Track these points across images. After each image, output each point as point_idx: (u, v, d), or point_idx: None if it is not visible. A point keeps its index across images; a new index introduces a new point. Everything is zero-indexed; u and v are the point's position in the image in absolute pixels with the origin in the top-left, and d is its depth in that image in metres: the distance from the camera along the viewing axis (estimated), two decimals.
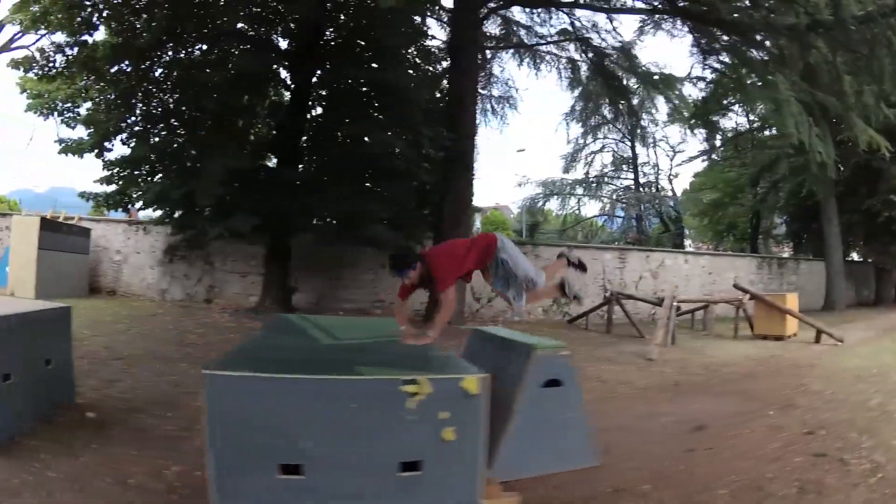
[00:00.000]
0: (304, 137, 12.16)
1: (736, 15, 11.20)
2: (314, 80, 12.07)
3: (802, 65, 11.58)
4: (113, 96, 11.90)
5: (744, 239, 27.14)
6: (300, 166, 11.98)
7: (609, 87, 14.28)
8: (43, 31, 11.46)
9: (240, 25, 11.85)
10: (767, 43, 11.39)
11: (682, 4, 11.67)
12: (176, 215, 11.70)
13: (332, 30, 12.28)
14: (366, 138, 11.12)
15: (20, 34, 15.94)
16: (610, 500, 3.35)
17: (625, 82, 14.59)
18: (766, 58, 11.52)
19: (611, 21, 13.92)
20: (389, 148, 10.30)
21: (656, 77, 13.66)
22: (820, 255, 21.51)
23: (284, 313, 11.50)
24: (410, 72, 11.88)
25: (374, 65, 11.28)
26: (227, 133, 10.87)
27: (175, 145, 11.31)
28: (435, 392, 2.50)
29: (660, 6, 12.41)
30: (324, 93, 12.33)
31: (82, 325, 8.03)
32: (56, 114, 13.14)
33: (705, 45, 12.32)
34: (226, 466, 2.35)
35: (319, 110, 12.47)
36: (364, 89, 11.47)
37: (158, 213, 12.92)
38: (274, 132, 12.36)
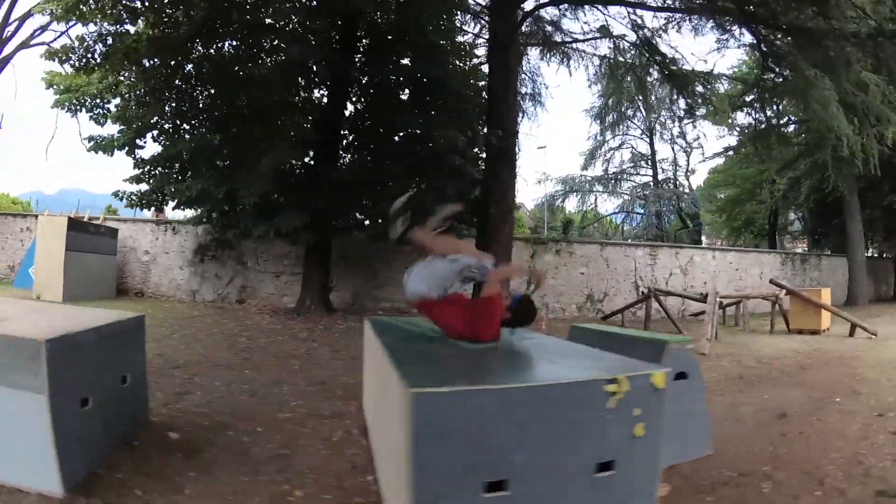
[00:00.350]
0: (349, 134, 11.91)
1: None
2: (355, 75, 11.82)
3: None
4: (142, 91, 11.60)
5: (761, 235, 27.15)
6: (346, 163, 11.72)
7: (665, 80, 14.14)
8: (72, 23, 11.13)
9: (269, 21, 11.56)
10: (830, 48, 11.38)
11: (748, 8, 11.58)
12: (215, 214, 11.34)
13: (365, 26, 12.04)
14: (399, 132, 10.94)
15: (39, 31, 15.58)
16: (741, 483, 3.51)
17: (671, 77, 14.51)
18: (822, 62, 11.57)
19: (658, 18, 13.76)
20: (452, 145, 10.05)
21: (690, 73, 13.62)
22: (839, 250, 21.58)
23: (327, 313, 11.33)
24: (451, 67, 11.63)
25: (419, 60, 11.02)
26: (269, 130, 10.54)
27: (213, 142, 10.95)
28: (631, 389, 2.50)
29: (712, 5, 12.26)
30: (369, 88, 12.07)
31: None
32: (85, 110, 12.75)
33: (766, 47, 12.27)
34: (430, 493, 2.19)
35: (361, 106, 12.21)
36: (411, 85, 11.23)
37: (189, 212, 12.65)
38: (309, 128, 12.03)
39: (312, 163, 11.55)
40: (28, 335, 2.97)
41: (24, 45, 15.53)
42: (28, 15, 15.16)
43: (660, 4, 13.54)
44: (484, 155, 12.18)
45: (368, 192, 10.62)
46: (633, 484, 2.53)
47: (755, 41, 12.95)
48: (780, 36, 12.16)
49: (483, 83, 13.17)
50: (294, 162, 10.88)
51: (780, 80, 13.05)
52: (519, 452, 2.28)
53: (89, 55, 10.25)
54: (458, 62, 13.07)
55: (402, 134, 11.08)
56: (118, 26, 10.31)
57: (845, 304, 18.79)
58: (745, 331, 12.84)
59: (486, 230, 11.85)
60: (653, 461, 2.61)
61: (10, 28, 15.30)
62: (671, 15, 14.27)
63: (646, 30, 13.58)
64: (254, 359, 7.50)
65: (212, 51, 11.62)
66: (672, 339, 4.15)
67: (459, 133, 10.35)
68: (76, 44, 10.31)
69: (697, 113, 14.65)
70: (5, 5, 14.94)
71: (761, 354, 9.26)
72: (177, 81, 11.42)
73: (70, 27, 11.94)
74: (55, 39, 16.11)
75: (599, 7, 13.73)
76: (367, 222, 11.85)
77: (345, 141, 12.14)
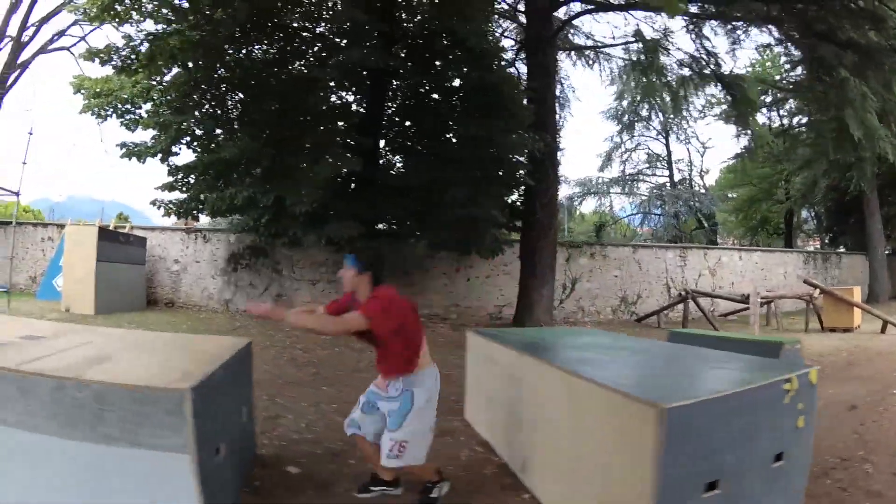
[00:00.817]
0: (395, 140, 11.71)
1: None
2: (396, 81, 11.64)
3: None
4: (175, 96, 11.30)
5: (776, 234, 27.19)
6: (396, 170, 11.54)
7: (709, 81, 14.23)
8: (96, 26, 10.80)
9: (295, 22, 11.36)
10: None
11: (805, 22, 11.82)
12: (262, 222, 11.06)
13: (408, 31, 11.87)
14: (453, 139, 10.73)
15: (57, 35, 15.21)
16: (846, 467, 3.88)
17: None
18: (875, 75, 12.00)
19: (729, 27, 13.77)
20: (517, 150, 9.90)
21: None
22: (857, 248, 21.63)
23: None
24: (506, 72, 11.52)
25: (468, 65, 10.84)
26: (318, 136, 10.31)
27: (258, 149, 10.67)
28: (798, 386, 2.74)
29: (777, 15, 12.33)
30: (411, 93, 11.88)
31: None
32: (116, 115, 12.41)
33: (820, 58, 12.39)
34: (667, 498, 2.28)
35: (407, 112, 12.03)
36: (462, 90, 11.05)
37: (220, 220, 12.34)
38: (358, 135, 11.83)
39: (360, 170, 11.37)
40: (162, 384, 2.50)
41: (43, 49, 15.15)
42: (46, 20, 14.86)
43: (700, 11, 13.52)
44: (523, 159, 12.05)
45: (423, 199, 10.42)
46: (794, 469, 2.79)
47: (807, 51, 13.05)
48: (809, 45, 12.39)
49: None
50: (360, 169, 10.65)
51: (826, 88, 13.12)
52: (727, 453, 2.42)
53: (133, 56, 9.92)
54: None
55: (456, 140, 10.87)
56: (166, 26, 9.99)
57: (866, 301, 18.85)
58: (779, 330, 12.93)
59: (531, 234, 11.75)
60: (808, 448, 2.91)
61: (27, 32, 14.99)
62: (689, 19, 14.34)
63: (705, 39, 13.61)
64: (323, 374, 7.29)
65: (254, 54, 11.36)
66: (784, 340, 4.54)
67: (519, 139, 10.18)
68: (123, 43, 9.98)
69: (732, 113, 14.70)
70: (22, 10, 14.61)
71: (809, 352, 9.31)
72: (203, 85, 11.13)
73: (91, 31, 11.58)
74: (75, 44, 15.85)
75: (633, 12, 13.69)
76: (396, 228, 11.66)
77: (388, 147, 11.95)
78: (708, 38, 14.22)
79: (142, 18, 10.36)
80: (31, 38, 14.77)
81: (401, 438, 3.10)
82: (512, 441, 3.91)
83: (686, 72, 15.34)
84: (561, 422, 3.13)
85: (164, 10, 9.75)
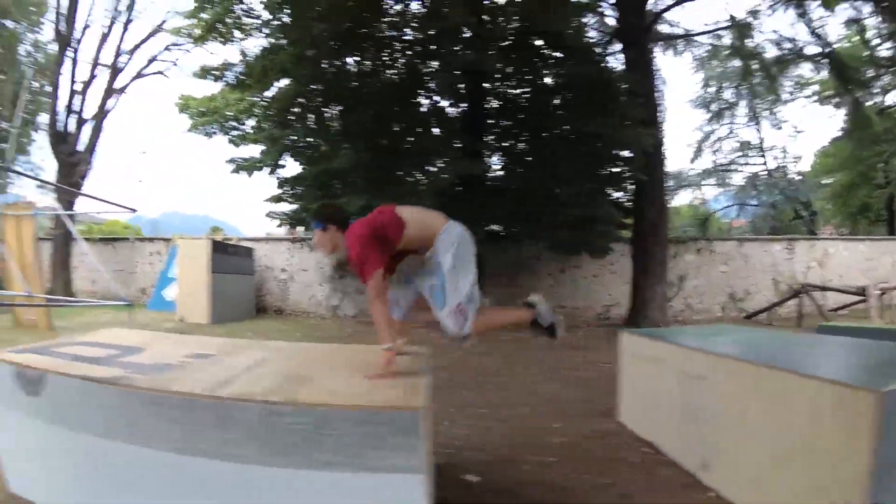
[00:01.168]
0: (499, 142, 11.66)
1: None
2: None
3: None
4: (276, 111, 11.55)
5: (879, 220, 25.66)
6: (504, 172, 11.46)
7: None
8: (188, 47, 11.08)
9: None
10: None
11: None
12: None
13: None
14: (560, 137, 10.57)
15: (150, 60, 15.80)
16: None
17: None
18: None
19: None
20: (630, 147, 9.71)
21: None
22: None
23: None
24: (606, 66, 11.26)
25: (572, 62, 10.66)
26: (425, 142, 10.32)
27: (367, 158, 10.77)
28: None
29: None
30: (509, 94, 11.79)
31: None
32: (222, 132, 12.82)
33: None
34: (880, 486, 2.29)
35: (509, 114, 11.93)
36: (569, 87, 10.86)
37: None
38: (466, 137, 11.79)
39: (481, 173, 11.32)
40: (395, 403, 2.32)
41: (139, 74, 15.78)
42: (138, 46, 15.45)
43: None
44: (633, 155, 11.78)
45: (528, 200, 10.30)
46: None
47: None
48: None
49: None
50: (481, 172, 10.60)
51: None
52: None
53: (248, 71, 10.21)
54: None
55: (561, 138, 10.70)
56: (275, 40, 10.24)
57: None
58: (893, 324, 12.22)
59: (643, 231, 11.48)
60: None
61: (121, 59, 15.63)
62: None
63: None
64: (456, 379, 7.19)
65: (348, 65, 11.50)
66: None
67: (633, 134, 9.93)
68: (241, 58, 10.31)
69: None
70: (112, 38, 15.21)
71: None
72: (300, 99, 11.31)
73: (184, 54, 11.84)
74: (168, 68, 16.43)
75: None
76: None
77: (486, 149, 11.88)
78: (812, 19, 13.36)
79: (244, 36, 10.66)
80: (126, 65, 15.37)
81: (454, 303, 3.02)
82: (688, 441, 3.78)
83: (780, 52, 14.73)
84: (755, 417, 3.05)
85: (273, 25, 9.95)
